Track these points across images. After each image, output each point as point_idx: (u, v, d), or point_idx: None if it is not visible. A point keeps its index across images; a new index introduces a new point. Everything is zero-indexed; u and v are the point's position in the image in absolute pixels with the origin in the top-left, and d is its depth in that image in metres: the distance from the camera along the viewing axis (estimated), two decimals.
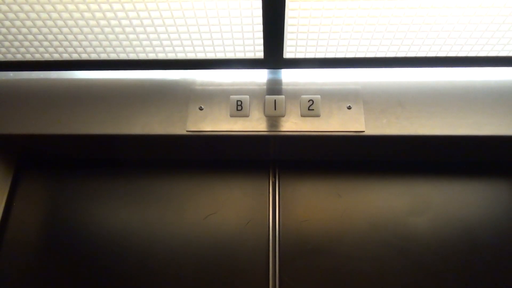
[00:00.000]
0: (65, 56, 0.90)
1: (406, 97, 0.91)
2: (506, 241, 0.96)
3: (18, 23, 0.80)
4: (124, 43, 0.85)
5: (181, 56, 0.89)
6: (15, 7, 0.76)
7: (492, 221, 0.98)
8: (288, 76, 0.96)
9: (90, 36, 0.83)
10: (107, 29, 0.81)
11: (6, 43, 0.86)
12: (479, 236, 0.97)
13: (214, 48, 0.86)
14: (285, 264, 0.96)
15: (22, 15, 0.78)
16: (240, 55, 0.88)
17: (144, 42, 0.84)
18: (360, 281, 0.93)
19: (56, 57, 0.90)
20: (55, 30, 0.81)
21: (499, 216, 0.99)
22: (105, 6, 0.75)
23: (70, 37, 0.83)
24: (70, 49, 0.87)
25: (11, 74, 1.00)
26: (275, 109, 0.91)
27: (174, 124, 0.91)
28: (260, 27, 0.78)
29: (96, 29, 0.81)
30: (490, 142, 0.90)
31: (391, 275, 0.93)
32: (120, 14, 0.77)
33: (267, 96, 0.92)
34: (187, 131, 0.90)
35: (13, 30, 0.82)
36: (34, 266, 0.99)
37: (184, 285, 0.95)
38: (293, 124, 0.90)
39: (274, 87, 0.94)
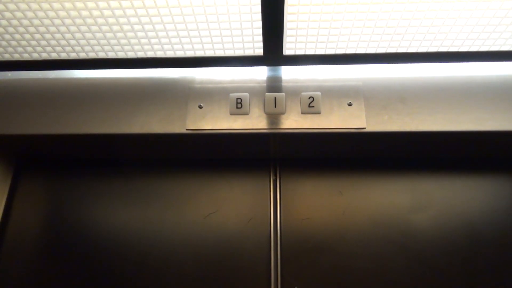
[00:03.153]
0: (63, 56, 0.89)
1: (407, 93, 0.90)
2: (508, 236, 0.95)
3: (15, 22, 0.79)
4: (122, 41, 0.84)
5: (179, 54, 0.88)
6: (11, 6, 0.75)
7: (494, 217, 0.97)
8: (288, 73, 0.95)
9: (88, 35, 0.82)
10: (104, 28, 0.80)
11: (4, 43, 0.85)
12: (481, 232, 0.96)
13: (213, 46, 0.85)
14: (287, 262, 0.95)
15: (19, 14, 0.77)
16: (239, 52, 0.88)
17: (143, 41, 0.84)
18: (362, 278, 0.92)
19: (54, 56, 0.90)
20: (52, 29, 0.81)
21: (501, 211, 0.98)
22: (102, 4, 0.74)
23: (68, 36, 0.83)
24: (68, 48, 0.87)
25: (9, 74, 1.00)
26: (275, 107, 0.90)
27: (174, 122, 0.91)
28: (259, 24, 0.78)
29: (94, 28, 0.80)
30: (492, 137, 0.89)
31: (393, 272, 0.93)
32: (118, 12, 0.76)
33: (267, 94, 0.92)
34: (186, 129, 0.90)
35: (10, 29, 0.81)
36: (34, 266, 0.99)
37: (185, 284, 0.94)
38: (294, 121, 0.89)
39: (274, 84, 0.94)
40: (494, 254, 0.94)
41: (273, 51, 0.85)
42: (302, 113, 0.90)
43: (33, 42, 0.85)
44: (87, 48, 0.86)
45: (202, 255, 0.97)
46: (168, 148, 1.02)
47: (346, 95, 0.91)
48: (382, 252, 0.95)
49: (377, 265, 0.94)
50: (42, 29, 0.81)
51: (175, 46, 0.86)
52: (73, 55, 0.89)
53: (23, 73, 1.00)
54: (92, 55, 0.89)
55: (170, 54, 0.88)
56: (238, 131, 0.89)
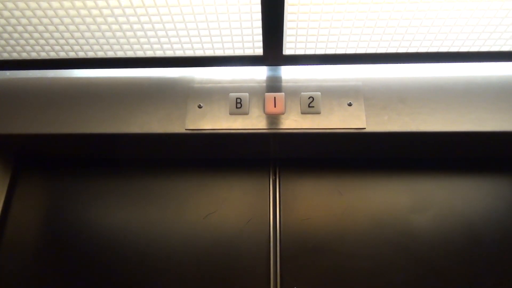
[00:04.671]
0: (62, 55, 0.89)
1: (408, 93, 0.90)
2: (508, 237, 0.95)
3: (13, 21, 0.79)
4: (122, 40, 0.84)
5: (179, 53, 0.88)
6: (10, 5, 0.75)
7: (495, 218, 0.97)
8: (287, 73, 0.95)
9: (87, 34, 0.82)
10: (104, 27, 0.80)
11: (2, 42, 0.85)
12: (482, 232, 0.96)
13: (212, 45, 0.85)
14: (286, 262, 0.95)
15: (17, 13, 0.77)
16: (239, 52, 0.87)
17: (142, 40, 0.83)
18: (362, 279, 0.92)
19: (53, 55, 0.89)
20: (51, 28, 0.80)
21: (502, 212, 0.98)
22: (101, 3, 0.74)
23: (67, 35, 0.82)
24: (67, 47, 0.86)
25: (8, 73, 0.99)
26: (275, 107, 0.90)
27: (173, 122, 0.90)
28: (259, 23, 0.77)
29: (93, 27, 0.80)
30: (493, 138, 0.89)
31: (394, 273, 0.93)
32: (117, 11, 0.76)
33: (266, 94, 0.91)
34: (186, 129, 0.89)
35: (9, 28, 0.81)
36: (33, 266, 0.98)
37: (184, 284, 0.94)
38: (293, 121, 0.89)
39: (273, 84, 0.93)
40: (494, 254, 0.94)
41: (273, 51, 0.85)
42: (302, 113, 0.89)
43: (32, 41, 0.85)
44: (86, 47, 0.86)
45: (201, 255, 0.97)
46: (168, 148, 1.01)
47: (346, 95, 0.90)
48: (382, 253, 0.95)
49: (377, 266, 0.93)
50: (41, 28, 0.80)
51: (175, 46, 0.85)
52: (72, 55, 0.89)
53: (22, 72, 0.99)
54: (91, 55, 0.89)
55: (169, 53, 0.88)
56: (238, 131, 0.89)
